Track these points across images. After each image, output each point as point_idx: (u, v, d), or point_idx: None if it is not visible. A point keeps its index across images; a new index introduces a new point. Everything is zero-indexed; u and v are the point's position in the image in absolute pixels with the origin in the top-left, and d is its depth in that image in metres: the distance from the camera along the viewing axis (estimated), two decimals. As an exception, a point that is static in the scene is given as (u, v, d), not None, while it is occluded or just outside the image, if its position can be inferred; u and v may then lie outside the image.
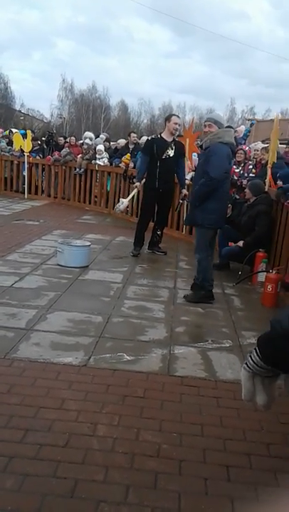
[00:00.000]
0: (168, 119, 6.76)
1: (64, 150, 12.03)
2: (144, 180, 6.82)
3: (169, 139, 6.61)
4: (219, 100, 70.02)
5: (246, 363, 1.24)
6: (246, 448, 2.39)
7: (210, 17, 70.40)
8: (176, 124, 6.61)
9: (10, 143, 13.07)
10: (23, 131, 13.61)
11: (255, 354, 1.21)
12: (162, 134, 6.71)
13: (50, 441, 2.30)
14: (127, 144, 10.99)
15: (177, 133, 6.82)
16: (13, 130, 13.28)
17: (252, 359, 1.22)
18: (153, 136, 7.04)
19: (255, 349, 1.21)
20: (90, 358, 3.26)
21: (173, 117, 6.74)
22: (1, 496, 1.91)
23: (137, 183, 7.09)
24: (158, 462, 2.20)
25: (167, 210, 7.23)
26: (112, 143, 12.94)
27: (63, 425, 2.44)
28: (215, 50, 78.04)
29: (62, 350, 3.36)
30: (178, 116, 7.00)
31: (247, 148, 8.49)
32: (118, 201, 7.86)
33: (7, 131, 14.66)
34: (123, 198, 8.30)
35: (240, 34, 67.85)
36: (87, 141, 11.93)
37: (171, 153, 6.58)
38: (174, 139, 6.67)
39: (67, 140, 13.14)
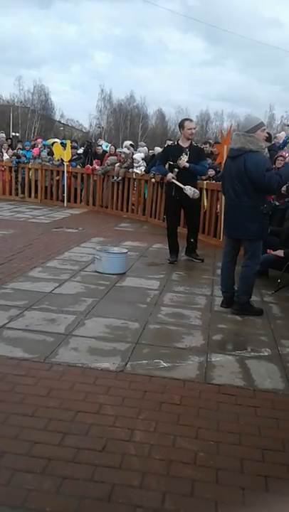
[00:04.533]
0: (181, 125, 6.78)
1: (112, 158, 12.13)
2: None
3: (185, 145, 6.61)
4: (256, 107, 69.50)
5: None
6: (286, 459, 2.34)
7: (242, 25, 70.44)
8: (190, 129, 6.63)
9: (51, 153, 13.36)
10: (64, 141, 13.90)
11: None
12: (179, 141, 6.75)
13: (88, 445, 2.32)
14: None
15: (193, 137, 6.79)
16: (56, 140, 13.56)
17: None
18: (169, 144, 7.05)
19: None
20: (126, 364, 3.27)
21: (186, 122, 6.75)
22: (39, 497, 1.94)
23: (169, 175, 6.63)
24: (195, 470, 2.19)
25: (195, 216, 7.17)
26: (150, 151, 13.07)
27: (101, 430, 2.46)
28: (248, 58, 78.01)
29: (100, 355, 3.39)
30: (191, 121, 6.99)
31: (287, 154, 8.37)
32: (181, 189, 6.51)
33: (50, 140, 14.91)
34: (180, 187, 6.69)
35: (273, 40, 67.48)
36: (125, 150, 12.07)
37: (185, 158, 6.55)
38: (190, 144, 6.67)
39: (106, 149, 13.36)
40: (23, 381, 2.93)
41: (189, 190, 6.52)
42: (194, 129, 6.86)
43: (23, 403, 2.67)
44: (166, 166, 6.69)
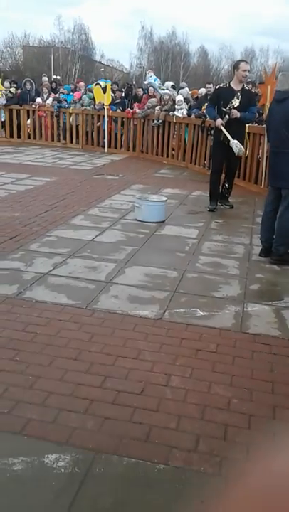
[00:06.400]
0: (236, 66, 6.48)
1: (152, 100, 11.83)
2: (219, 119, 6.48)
3: (237, 88, 6.36)
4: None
5: None
6: (317, 407, 2.42)
7: None
8: (244, 71, 6.34)
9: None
10: (108, 81, 13.53)
11: None
12: (231, 83, 6.47)
13: (127, 388, 2.47)
14: (206, 94, 10.68)
15: (247, 80, 6.51)
16: (101, 83, 13.21)
17: None
18: (221, 85, 6.79)
19: None
20: (165, 312, 3.39)
21: (242, 64, 6.45)
22: (82, 435, 2.12)
23: (219, 121, 6.46)
24: (228, 415, 2.31)
25: (235, 162, 6.99)
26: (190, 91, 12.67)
27: (139, 374, 2.61)
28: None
29: (139, 303, 3.52)
30: (247, 62, 6.70)
31: None
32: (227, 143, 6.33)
33: (93, 84, 14.58)
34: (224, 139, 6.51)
35: None
36: (167, 91, 11.73)
37: (236, 103, 6.32)
38: (242, 88, 6.42)
39: (154, 83, 12.94)
40: (67, 326, 3.10)
41: (235, 146, 6.34)
42: (249, 71, 6.57)
43: (67, 347, 2.84)
44: (216, 108, 6.48)
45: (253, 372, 2.71)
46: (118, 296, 3.61)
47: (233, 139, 6.35)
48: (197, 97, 11.82)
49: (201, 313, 3.42)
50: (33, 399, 2.34)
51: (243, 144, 6.62)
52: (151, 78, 13.51)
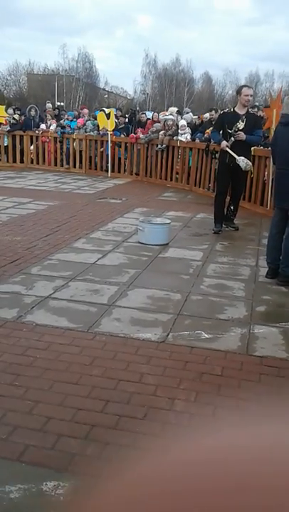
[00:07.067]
0: (239, 91, 6.56)
1: (156, 125, 11.98)
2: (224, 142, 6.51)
3: (242, 112, 6.41)
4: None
5: None
6: None
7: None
8: (247, 95, 6.38)
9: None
10: (112, 109, 13.79)
11: None
12: (235, 108, 6.54)
13: (129, 412, 2.39)
14: (210, 119, 10.79)
15: (252, 104, 6.57)
16: (106, 110, 13.42)
17: None
18: (225, 110, 6.87)
19: None
20: (168, 335, 3.31)
21: (244, 89, 6.52)
22: (82, 461, 2.03)
23: (224, 143, 6.47)
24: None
25: (241, 184, 7.01)
26: (194, 117, 12.83)
27: (142, 398, 2.53)
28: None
29: (142, 326, 3.45)
30: (249, 87, 6.77)
31: None
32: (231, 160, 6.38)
33: (100, 111, 14.78)
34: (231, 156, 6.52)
35: None
36: (170, 117, 11.86)
37: (241, 125, 6.35)
38: (247, 111, 6.47)
39: (149, 116, 13.20)
40: (67, 350, 3.03)
41: (242, 162, 6.37)
42: (251, 96, 6.65)
43: (67, 371, 2.77)
44: (221, 132, 6.53)
45: (260, 395, 2.62)
46: (120, 319, 3.55)
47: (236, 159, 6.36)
48: (202, 121, 11.94)
49: (206, 335, 3.35)
50: (31, 424, 2.27)
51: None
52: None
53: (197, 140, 10.54)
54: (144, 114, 13.89)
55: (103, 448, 2.12)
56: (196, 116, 12.98)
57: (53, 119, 13.96)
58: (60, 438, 2.18)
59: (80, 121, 13.33)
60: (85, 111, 14.28)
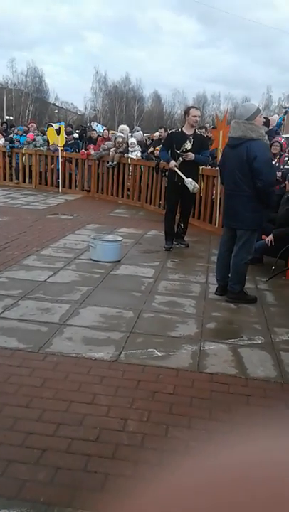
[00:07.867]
0: (187, 112, 6.73)
1: (108, 143, 12.03)
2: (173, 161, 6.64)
3: (189, 132, 6.56)
4: (253, 89, 69.27)
5: None
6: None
7: (235, 6, 69.96)
8: (195, 116, 6.57)
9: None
10: (62, 123, 13.73)
11: None
12: (183, 128, 6.69)
13: (82, 435, 2.36)
14: (159, 137, 10.98)
15: (198, 125, 6.75)
16: (54, 125, 13.31)
17: None
18: (174, 130, 7.02)
19: None
20: (120, 354, 3.30)
21: (192, 110, 6.70)
22: (33, 487, 1.98)
23: (172, 163, 6.58)
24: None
25: (189, 202, 7.15)
26: (145, 135, 13.02)
27: (94, 420, 2.50)
28: (242, 39, 77.31)
29: (94, 345, 3.42)
30: (197, 108, 6.97)
31: (283, 140, 8.34)
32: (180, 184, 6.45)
33: (48, 126, 14.68)
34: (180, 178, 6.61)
35: (268, 21, 67.00)
36: (120, 134, 11.97)
37: (188, 146, 6.50)
38: (194, 132, 6.64)
39: (100, 130, 13.26)
40: (17, 371, 2.96)
41: (190, 184, 6.50)
42: (199, 116, 6.81)
43: (17, 394, 2.70)
44: (170, 152, 6.64)
45: (211, 413, 2.65)
46: (72, 339, 3.51)
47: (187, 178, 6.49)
48: (152, 139, 12.13)
49: (158, 353, 3.36)
50: (-21, 451, 2.18)
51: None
52: (97, 127, 13.96)
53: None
54: (95, 130, 13.94)
55: (55, 473, 2.07)
56: (148, 135, 13.19)
57: (1, 133, 13.76)
58: (11, 464, 2.11)
59: (30, 136, 13.20)
60: (33, 125, 14.16)
